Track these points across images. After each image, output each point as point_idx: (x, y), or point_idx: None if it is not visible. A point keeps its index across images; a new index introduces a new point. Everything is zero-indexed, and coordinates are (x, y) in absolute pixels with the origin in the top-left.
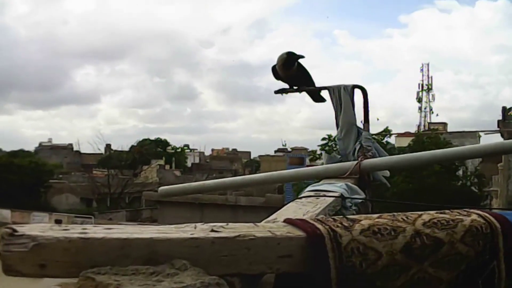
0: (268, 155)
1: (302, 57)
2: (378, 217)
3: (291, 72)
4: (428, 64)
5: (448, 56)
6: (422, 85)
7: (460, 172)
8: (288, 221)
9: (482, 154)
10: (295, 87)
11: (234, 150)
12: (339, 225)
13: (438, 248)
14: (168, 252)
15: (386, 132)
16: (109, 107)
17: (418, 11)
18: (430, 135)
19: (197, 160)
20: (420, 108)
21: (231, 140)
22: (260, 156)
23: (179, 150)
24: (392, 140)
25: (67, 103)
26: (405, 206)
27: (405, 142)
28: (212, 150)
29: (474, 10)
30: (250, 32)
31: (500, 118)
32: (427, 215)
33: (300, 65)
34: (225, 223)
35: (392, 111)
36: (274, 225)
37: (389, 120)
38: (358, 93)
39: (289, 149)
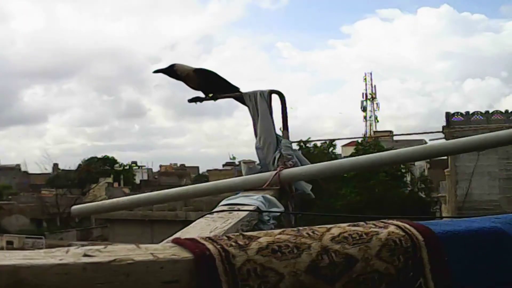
0: (216, 169)
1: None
2: (280, 233)
3: (193, 81)
4: (371, 73)
5: (393, 64)
6: (366, 94)
7: (408, 179)
8: (176, 241)
9: (409, 158)
10: (210, 95)
11: (182, 165)
12: (233, 244)
13: (350, 266)
14: (36, 280)
15: (307, 141)
16: (57, 126)
17: (360, 21)
18: (373, 143)
19: (145, 177)
20: (365, 117)
21: (179, 155)
22: (208, 170)
23: (127, 167)
24: (338, 150)
25: (15, 124)
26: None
27: (350, 151)
28: (160, 166)
29: (416, 18)
30: (198, 47)
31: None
32: (336, 229)
33: (200, 71)
34: (103, 246)
35: (339, 121)
36: (160, 246)
37: (337, 130)
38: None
39: (237, 163)
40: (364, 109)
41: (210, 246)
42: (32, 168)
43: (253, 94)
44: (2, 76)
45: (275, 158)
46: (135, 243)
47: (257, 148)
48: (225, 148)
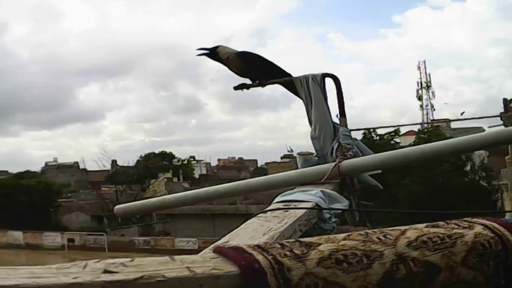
0: (274, 162)
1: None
2: (344, 239)
3: (237, 65)
4: (424, 62)
5: (447, 52)
6: (421, 82)
7: (468, 167)
8: (218, 250)
9: (478, 145)
10: (257, 81)
11: (240, 158)
12: (288, 253)
13: (432, 277)
14: None
15: (370, 128)
16: (114, 123)
17: (411, 9)
18: (434, 131)
19: (204, 171)
20: (421, 106)
21: (237, 149)
22: (266, 163)
23: (185, 162)
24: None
25: (73, 122)
26: (402, 213)
27: (410, 140)
28: (219, 160)
29: (466, 5)
30: (252, 40)
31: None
32: (413, 231)
33: (243, 54)
34: (130, 259)
35: (396, 110)
36: (199, 257)
37: (394, 120)
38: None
39: (294, 155)
40: (419, 97)
41: (259, 257)
42: (90, 166)
43: (305, 78)
44: (58, 75)
45: (333, 148)
46: (169, 256)
47: (312, 138)
48: (283, 140)
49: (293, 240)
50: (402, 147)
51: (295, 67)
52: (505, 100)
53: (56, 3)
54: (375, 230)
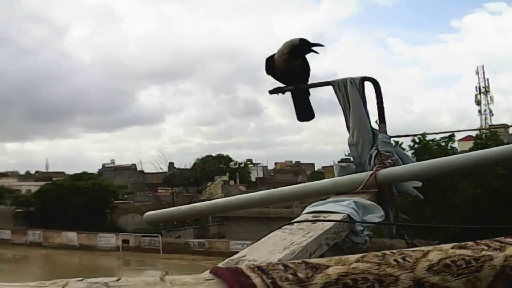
0: (331, 166)
1: (321, 45)
2: (357, 261)
3: (295, 66)
4: (483, 67)
5: (507, 57)
6: (479, 87)
7: None
8: (215, 271)
9: None
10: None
11: (298, 162)
12: (290, 276)
13: None
14: None
15: (417, 135)
16: (173, 126)
17: (469, 15)
18: (492, 137)
19: (260, 174)
20: (479, 111)
21: (295, 152)
22: (323, 167)
23: (242, 165)
24: (456, 145)
25: (132, 124)
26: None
27: (468, 146)
28: (276, 163)
29: None
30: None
31: None
32: (436, 253)
33: (305, 59)
34: (116, 279)
35: (456, 115)
36: (192, 279)
37: (454, 125)
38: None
39: (351, 159)
40: (478, 103)
41: (257, 280)
42: (148, 168)
43: (343, 82)
44: (118, 77)
45: (371, 156)
46: (159, 276)
47: (350, 145)
48: (341, 145)
49: (300, 261)
50: (459, 153)
51: (354, 71)
52: None
53: (116, 6)
54: (394, 251)
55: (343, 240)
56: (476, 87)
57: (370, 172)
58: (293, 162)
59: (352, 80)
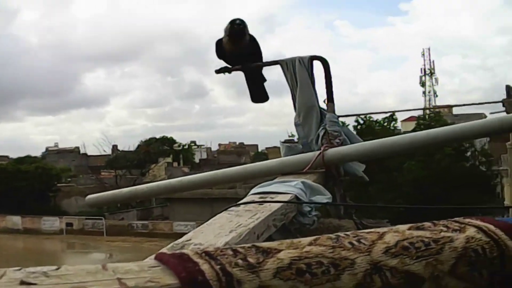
0: (275, 147)
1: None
2: (310, 244)
3: (241, 47)
4: (429, 49)
5: (453, 40)
6: (424, 69)
7: (469, 153)
8: (160, 257)
9: (475, 133)
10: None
11: (241, 143)
12: (240, 262)
13: None
14: None
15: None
16: (118, 108)
17: None
18: (435, 118)
19: (204, 156)
20: (424, 93)
21: (239, 134)
22: (267, 148)
23: (186, 147)
24: (399, 125)
25: (77, 107)
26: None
27: (411, 127)
28: (219, 145)
29: None
30: (261, 27)
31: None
32: (393, 235)
33: (253, 38)
34: (55, 267)
35: (400, 97)
36: (136, 266)
37: (398, 106)
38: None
39: (295, 140)
40: (423, 84)
41: (205, 267)
42: (91, 151)
43: (291, 61)
44: (65, 60)
45: (318, 135)
46: (102, 263)
47: (296, 125)
48: (286, 126)
49: (250, 245)
50: (402, 133)
51: (303, 54)
52: (508, 86)
53: None
54: (348, 233)
55: (290, 221)
56: (421, 69)
57: (318, 152)
58: (237, 144)
59: (300, 59)
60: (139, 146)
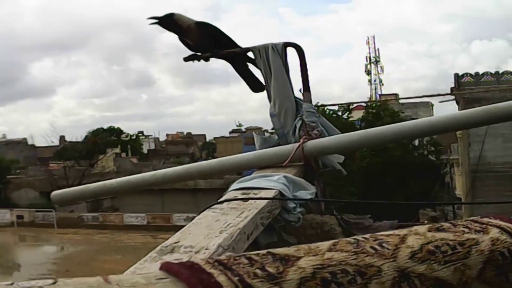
0: (223, 137)
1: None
2: (330, 249)
3: (196, 36)
4: (374, 37)
5: (397, 27)
6: (369, 57)
7: (417, 142)
8: (167, 267)
9: (461, 124)
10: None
11: (189, 133)
12: (259, 272)
13: None
14: None
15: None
16: (65, 98)
17: None
18: (383, 107)
19: (152, 146)
20: (369, 81)
21: (187, 124)
22: (215, 138)
23: (134, 137)
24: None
25: (24, 97)
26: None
27: (359, 115)
28: (167, 135)
29: None
30: (206, 14)
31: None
32: (414, 238)
33: (203, 24)
34: (51, 281)
35: (346, 85)
36: (142, 279)
37: (344, 94)
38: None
39: (243, 129)
40: (368, 72)
41: (221, 278)
42: (39, 141)
43: (264, 48)
44: (10, 50)
45: (295, 126)
46: (102, 276)
47: (272, 115)
48: (233, 115)
49: (265, 252)
50: (352, 122)
51: (249, 41)
52: (456, 75)
53: None
54: (366, 236)
55: (275, 218)
56: (366, 57)
57: (297, 144)
58: (185, 133)
59: (274, 45)
60: (86, 136)
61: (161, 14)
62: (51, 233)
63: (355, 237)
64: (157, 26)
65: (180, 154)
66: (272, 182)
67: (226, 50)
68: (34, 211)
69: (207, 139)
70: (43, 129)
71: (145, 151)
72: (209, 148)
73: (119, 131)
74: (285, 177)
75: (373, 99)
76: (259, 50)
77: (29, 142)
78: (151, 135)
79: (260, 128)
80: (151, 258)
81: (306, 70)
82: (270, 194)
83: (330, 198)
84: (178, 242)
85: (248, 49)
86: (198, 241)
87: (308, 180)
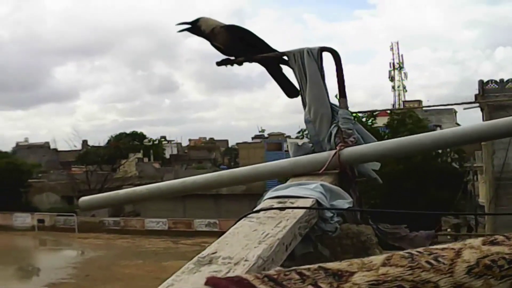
0: (245, 142)
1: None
2: (384, 264)
3: (239, 37)
4: (397, 43)
5: (421, 34)
6: (393, 64)
7: (440, 150)
8: (214, 282)
9: (502, 132)
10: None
11: (211, 139)
12: None
13: None
14: None
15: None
16: (88, 103)
17: None
18: (407, 114)
19: (175, 151)
20: (393, 87)
21: (209, 129)
22: (237, 143)
23: (156, 142)
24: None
25: (47, 102)
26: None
27: (383, 121)
28: (190, 140)
29: None
30: (231, 20)
31: (477, 92)
32: (470, 252)
33: (230, 27)
34: None
35: (370, 92)
36: None
37: (367, 101)
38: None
39: (266, 135)
40: (391, 79)
41: None
42: (62, 146)
43: (299, 52)
44: (36, 54)
45: (331, 134)
46: None
47: (307, 122)
48: (256, 120)
49: (316, 266)
50: (376, 128)
51: (274, 47)
52: (481, 82)
53: None
54: (420, 250)
55: (311, 228)
56: (390, 63)
57: (333, 152)
58: (207, 139)
59: (309, 50)
60: (109, 141)
61: (186, 19)
62: (72, 238)
63: (409, 251)
64: (182, 33)
65: (202, 160)
66: (309, 190)
67: (260, 55)
68: (56, 215)
69: (230, 145)
70: (65, 133)
71: (167, 156)
72: (232, 153)
73: (141, 136)
74: (322, 185)
75: (396, 105)
76: (294, 54)
77: (52, 146)
78: (173, 140)
79: (282, 134)
80: (188, 269)
81: (343, 75)
82: (307, 203)
83: (365, 207)
84: (215, 252)
85: (283, 54)
86: (237, 252)
87: (343, 188)
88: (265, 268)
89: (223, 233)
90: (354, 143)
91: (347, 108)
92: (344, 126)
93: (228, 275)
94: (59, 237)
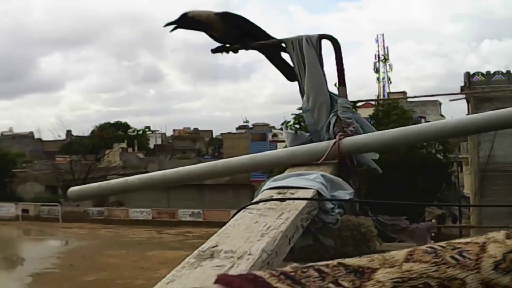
0: (230, 133)
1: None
2: (407, 260)
3: (219, 27)
4: (383, 35)
5: (406, 26)
6: (378, 55)
7: None
8: (226, 280)
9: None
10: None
11: (196, 129)
12: (332, 287)
13: None
14: None
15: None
16: (73, 93)
17: None
18: (392, 105)
19: (159, 142)
20: (378, 79)
21: (194, 119)
22: (222, 134)
23: (140, 132)
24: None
25: (32, 92)
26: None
27: (368, 113)
28: (174, 130)
29: None
30: (217, 11)
31: (463, 84)
32: (495, 246)
33: (225, 14)
34: None
35: (355, 83)
36: None
37: (353, 92)
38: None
39: (250, 126)
40: (376, 70)
41: None
42: (46, 136)
43: (298, 40)
44: (20, 44)
45: (329, 123)
46: None
47: (304, 111)
48: (241, 111)
49: (335, 262)
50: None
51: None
52: (467, 74)
53: None
54: (443, 244)
55: (312, 220)
56: (375, 55)
57: (333, 141)
58: (192, 129)
59: (308, 38)
60: (93, 131)
61: (171, 13)
62: (56, 227)
63: (431, 245)
64: (167, 22)
65: (187, 150)
66: (309, 181)
67: (257, 42)
68: (40, 205)
69: (214, 135)
70: (50, 123)
71: (151, 146)
72: (216, 144)
73: (126, 126)
74: (322, 175)
75: (381, 97)
76: (292, 42)
77: (36, 136)
78: (158, 131)
79: (267, 125)
80: (189, 264)
81: (342, 63)
82: (308, 194)
83: (365, 198)
84: (216, 246)
85: (281, 41)
86: (239, 245)
87: (343, 179)
88: (269, 263)
89: (207, 223)
90: (354, 132)
91: (346, 97)
92: (344, 115)
93: (232, 269)
94: (43, 227)
